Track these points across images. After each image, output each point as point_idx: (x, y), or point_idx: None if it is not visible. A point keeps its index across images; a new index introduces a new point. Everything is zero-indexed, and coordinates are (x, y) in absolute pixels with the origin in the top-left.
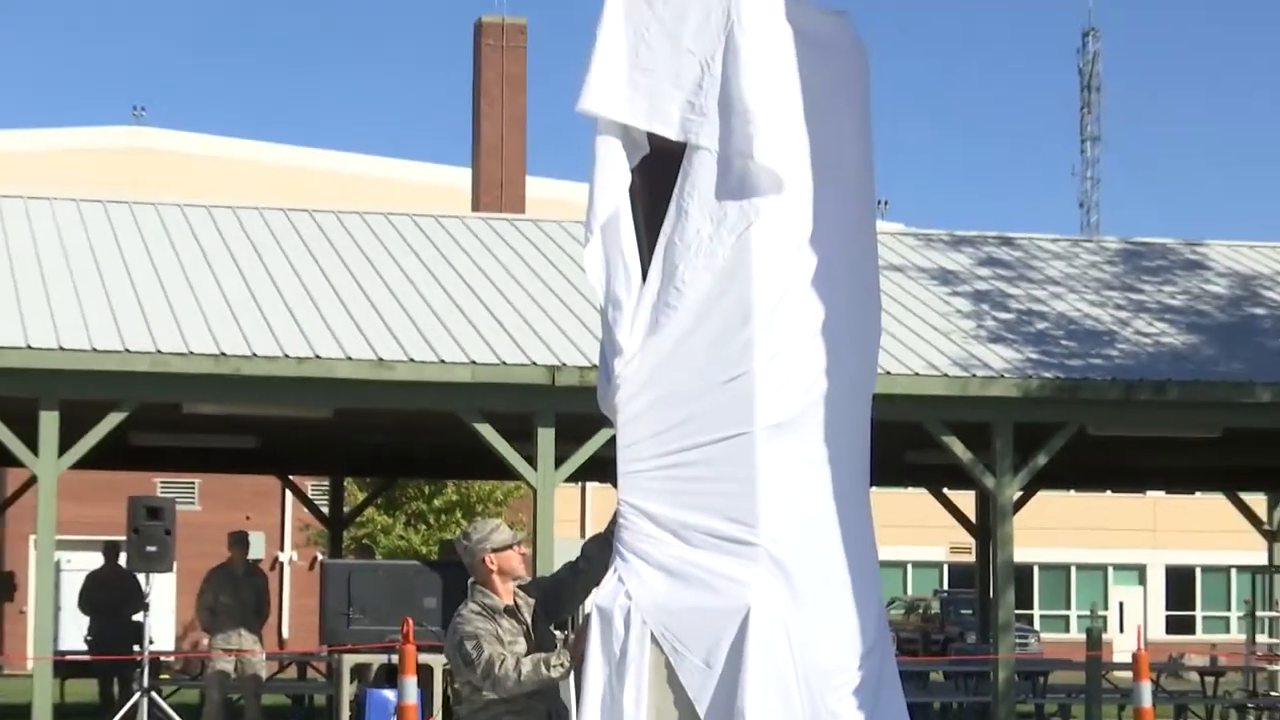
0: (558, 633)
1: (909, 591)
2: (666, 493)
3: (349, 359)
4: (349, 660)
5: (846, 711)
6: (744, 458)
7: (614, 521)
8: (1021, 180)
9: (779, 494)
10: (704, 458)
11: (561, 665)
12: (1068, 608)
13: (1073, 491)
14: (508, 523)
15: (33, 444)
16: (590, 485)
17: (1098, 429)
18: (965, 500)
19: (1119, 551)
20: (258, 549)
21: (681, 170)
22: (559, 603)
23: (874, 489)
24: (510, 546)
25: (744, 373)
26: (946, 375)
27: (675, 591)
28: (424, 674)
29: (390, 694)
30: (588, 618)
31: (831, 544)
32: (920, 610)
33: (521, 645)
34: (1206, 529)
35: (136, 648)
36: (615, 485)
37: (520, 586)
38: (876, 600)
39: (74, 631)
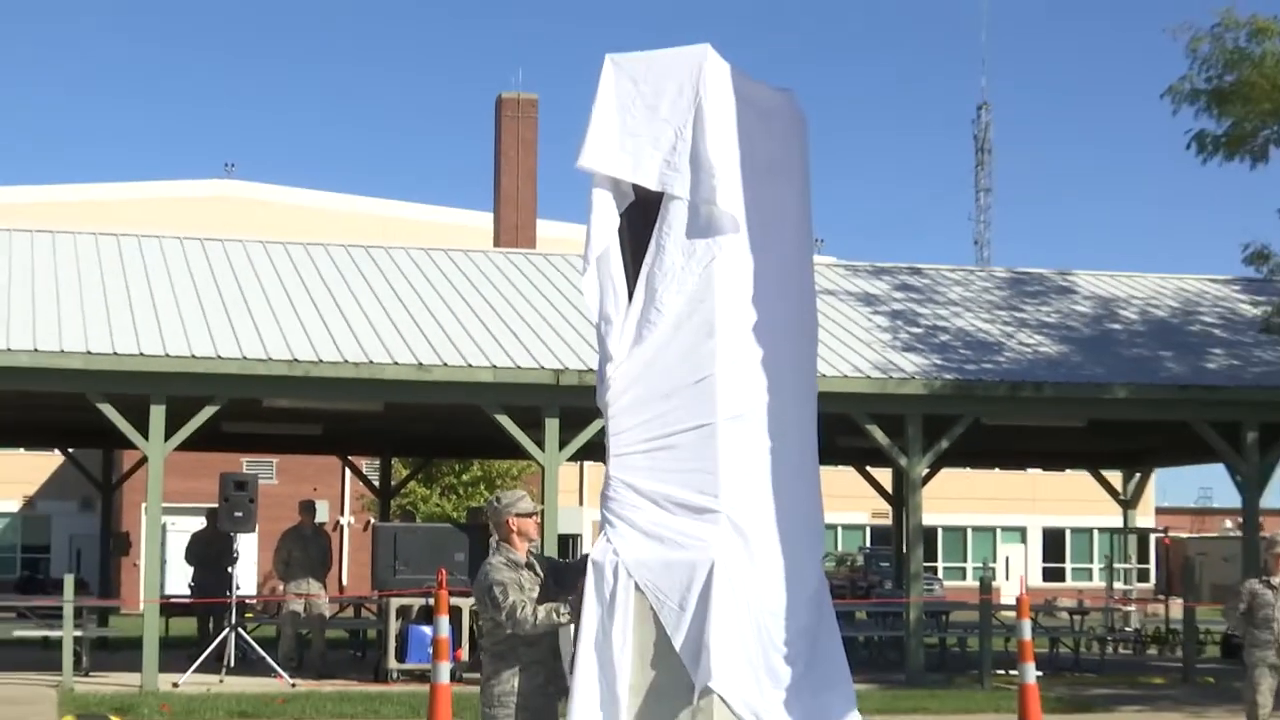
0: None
1: (839, 548)
2: (647, 470)
3: (395, 363)
4: (395, 602)
5: (790, 644)
6: (708, 443)
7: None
8: (928, 223)
9: (737, 471)
10: (677, 443)
11: (568, 615)
12: (965, 561)
13: (969, 469)
14: (530, 496)
15: (144, 430)
16: (587, 464)
17: (989, 419)
18: (884, 476)
19: (1005, 516)
20: (323, 514)
21: (660, 214)
22: (562, 578)
23: None
24: (530, 515)
25: (708, 375)
26: (869, 376)
27: (654, 549)
28: (454, 614)
29: (427, 629)
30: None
31: (781, 510)
32: (848, 563)
33: (537, 592)
34: (1075, 499)
35: (227, 593)
36: (606, 464)
37: (535, 555)
38: (818, 555)
39: (176, 579)
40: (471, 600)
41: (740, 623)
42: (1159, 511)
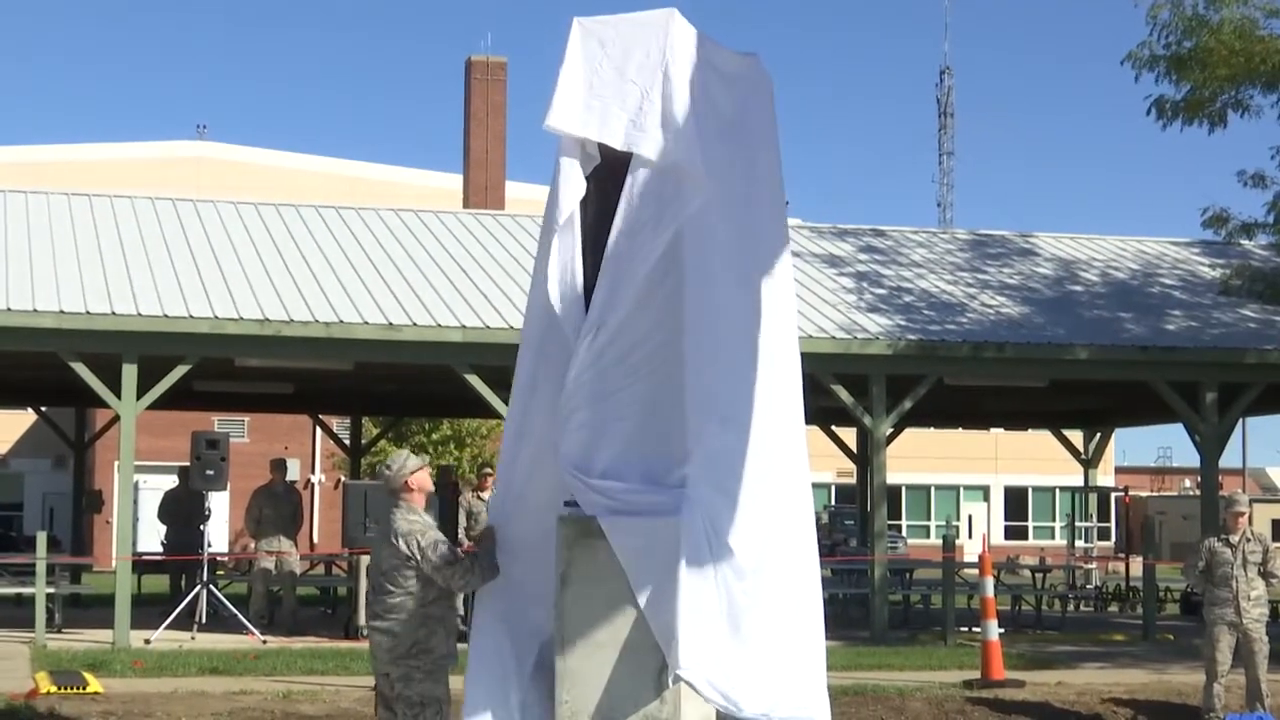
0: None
1: None
2: (617, 436)
3: (366, 323)
4: (365, 560)
5: (760, 613)
6: (682, 406)
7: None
8: (892, 185)
9: (711, 435)
10: (651, 406)
11: (497, 567)
12: (928, 519)
13: (932, 428)
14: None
15: (117, 389)
16: None
17: (952, 379)
18: (849, 434)
19: (968, 475)
20: (294, 472)
21: (629, 175)
22: None
23: None
24: (421, 468)
25: (681, 338)
26: (834, 337)
27: (626, 527)
28: None
29: None
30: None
31: (757, 474)
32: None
33: None
34: (1037, 458)
35: (199, 550)
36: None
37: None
38: (800, 519)
39: (148, 537)
40: (407, 553)
41: (709, 599)
42: (1119, 470)
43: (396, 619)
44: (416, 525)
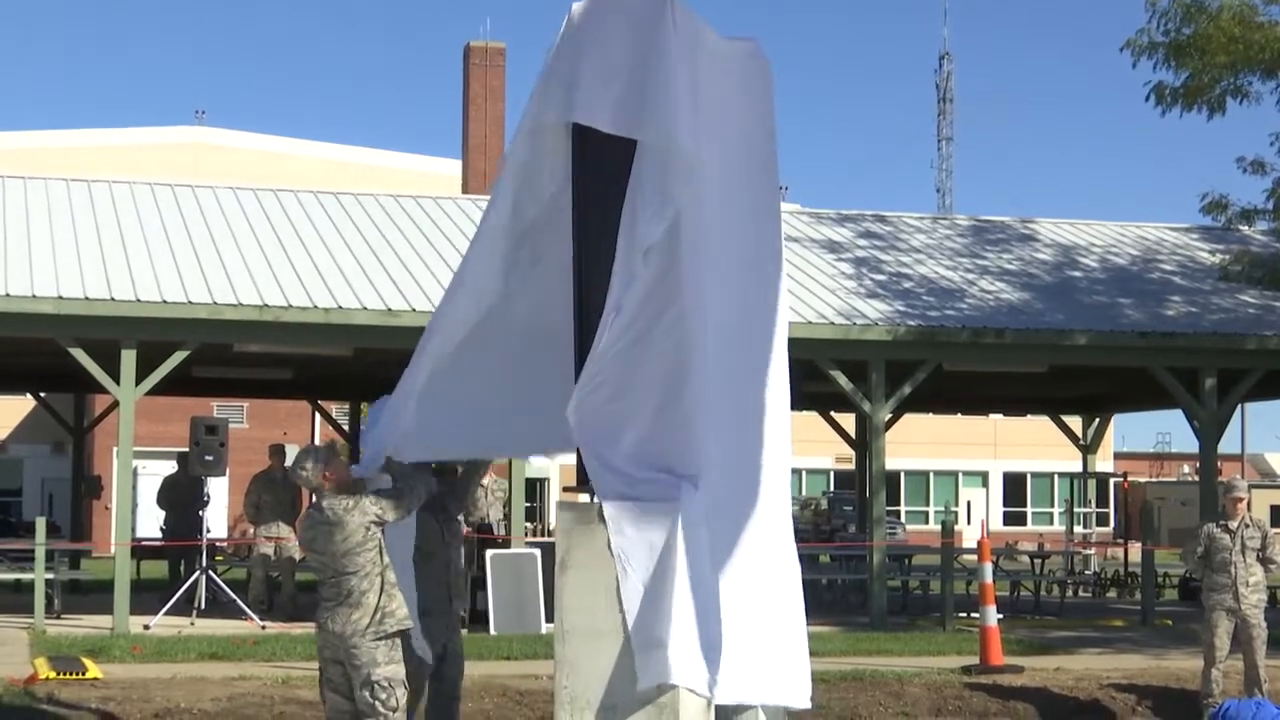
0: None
1: (803, 492)
2: (619, 428)
3: (365, 309)
4: None
5: (742, 606)
6: (680, 397)
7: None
8: (891, 171)
9: (705, 425)
10: (650, 394)
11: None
12: (927, 505)
13: (931, 414)
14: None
15: (115, 375)
16: None
17: (951, 365)
18: (847, 420)
19: (967, 461)
20: (292, 458)
21: (634, 161)
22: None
23: None
24: (335, 459)
25: (682, 324)
26: (833, 323)
27: (625, 513)
28: None
29: None
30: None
31: (745, 463)
32: (812, 507)
33: None
34: (1036, 443)
35: (198, 536)
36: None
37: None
38: (779, 509)
39: (147, 522)
40: (360, 527)
41: (703, 592)
42: (1118, 456)
43: (361, 593)
44: (352, 500)
